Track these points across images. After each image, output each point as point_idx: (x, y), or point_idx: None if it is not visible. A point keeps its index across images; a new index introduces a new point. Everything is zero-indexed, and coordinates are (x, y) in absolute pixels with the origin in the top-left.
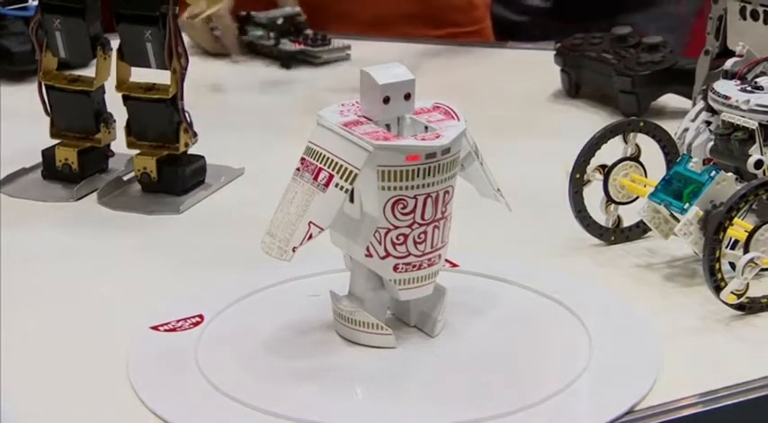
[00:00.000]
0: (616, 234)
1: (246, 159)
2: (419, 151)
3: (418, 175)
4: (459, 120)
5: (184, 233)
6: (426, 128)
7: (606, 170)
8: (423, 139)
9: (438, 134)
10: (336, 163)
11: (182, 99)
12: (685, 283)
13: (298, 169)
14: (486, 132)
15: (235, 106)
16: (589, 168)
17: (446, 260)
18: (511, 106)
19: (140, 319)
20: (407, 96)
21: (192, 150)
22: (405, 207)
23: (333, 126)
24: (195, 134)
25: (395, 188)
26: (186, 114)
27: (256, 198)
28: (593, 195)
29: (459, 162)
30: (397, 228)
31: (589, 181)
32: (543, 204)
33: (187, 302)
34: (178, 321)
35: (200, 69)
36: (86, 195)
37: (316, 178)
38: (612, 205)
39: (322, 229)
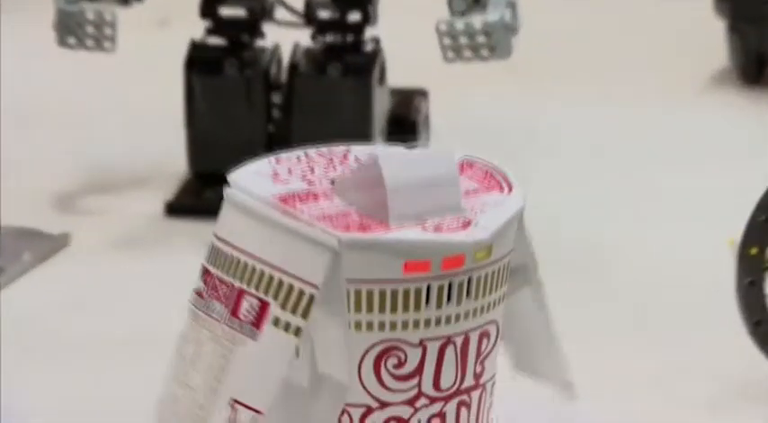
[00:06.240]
0: None
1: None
2: (431, 254)
3: (428, 303)
4: (510, 191)
5: None
6: None
7: None
8: (438, 230)
9: (467, 219)
10: (271, 278)
11: None
12: None
13: (199, 294)
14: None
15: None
16: None
17: None
18: (631, 97)
19: None
20: None
21: None
22: (400, 364)
23: (259, 205)
24: None
25: (382, 326)
26: None
27: (94, 294)
28: None
29: (508, 277)
30: (385, 405)
31: None
32: (682, 308)
33: None
34: None
35: None
36: None
37: (234, 312)
38: None
39: (260, 414)
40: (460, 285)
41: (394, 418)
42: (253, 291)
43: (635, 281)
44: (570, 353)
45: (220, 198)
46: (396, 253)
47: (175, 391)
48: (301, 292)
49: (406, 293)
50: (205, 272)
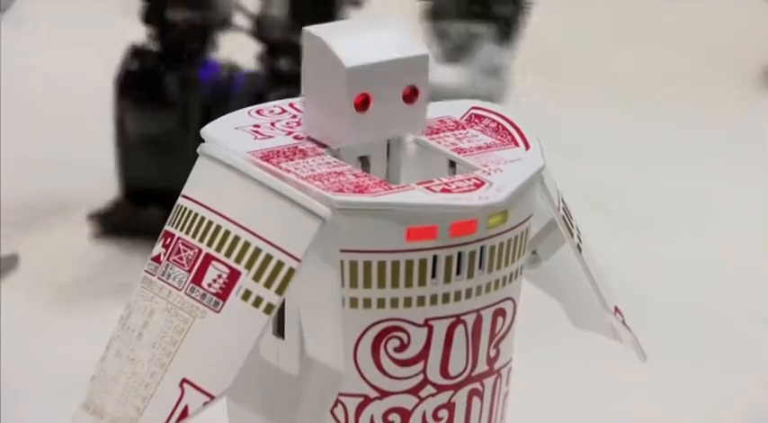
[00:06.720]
0: None
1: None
2: (437, 219)
3: (434, 276)
4: (528, 147)
5: None
6: (453, 165)
7: None
8: (445, 191)
9: (479, 180)
10: (247, 245)
11: None
12: None
13: (156, 260)
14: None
15: None
16: None
17: None
18: (672, 87)
19: None
20: (411, 95)
21: None
22: (403, 347)
23: (238, 161)
24: None
25: (382, 304)
26: None
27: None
28: None
29: (527, 245)
30: (385, 395)
31: None
32: (683, 308)
33: None
34: None
35: None
36: None
37: (198, 280)
38: None
39: (212, 398)
40: (471, 256)
41: (395, 409)
42: (222, 257)
43: (636, 280)
44: (569, 353)
45: (160, 217)
46: (397, 218)
47: (114, 367)
48: (279, 264)
49: (409, 265)
50: (166, 235)
